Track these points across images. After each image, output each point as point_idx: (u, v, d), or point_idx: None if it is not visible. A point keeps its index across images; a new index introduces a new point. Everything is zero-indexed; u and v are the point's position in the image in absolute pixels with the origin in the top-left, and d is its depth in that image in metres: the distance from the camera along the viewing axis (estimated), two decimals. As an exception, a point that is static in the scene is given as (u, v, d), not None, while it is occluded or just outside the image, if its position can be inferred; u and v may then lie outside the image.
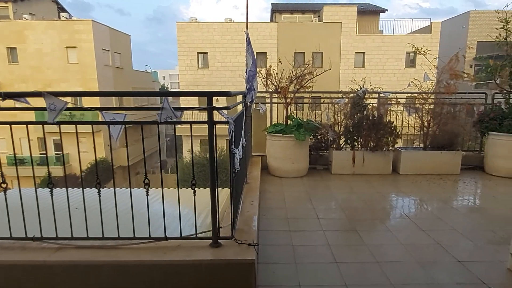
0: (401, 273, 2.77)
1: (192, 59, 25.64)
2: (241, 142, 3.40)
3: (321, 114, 6.52)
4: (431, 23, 26.63)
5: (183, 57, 25.59)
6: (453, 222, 3.86)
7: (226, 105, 2.53)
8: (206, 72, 25.74)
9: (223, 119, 2.47)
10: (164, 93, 2.33)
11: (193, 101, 21.03)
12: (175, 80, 65.35)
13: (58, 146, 23.11)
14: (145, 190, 2.53)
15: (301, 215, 4.08)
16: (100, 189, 2.58)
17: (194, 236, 2.62)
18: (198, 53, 25.64)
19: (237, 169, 2.85)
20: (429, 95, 6.05)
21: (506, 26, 6.10)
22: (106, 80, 25.65)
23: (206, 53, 25.59)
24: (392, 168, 6.14)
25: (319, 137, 6.28)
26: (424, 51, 6.15)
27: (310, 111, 6.63)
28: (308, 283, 2.61)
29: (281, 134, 5.59)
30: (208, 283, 2.44)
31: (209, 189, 2.58)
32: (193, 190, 2.56)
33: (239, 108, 4.03)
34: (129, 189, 2.62)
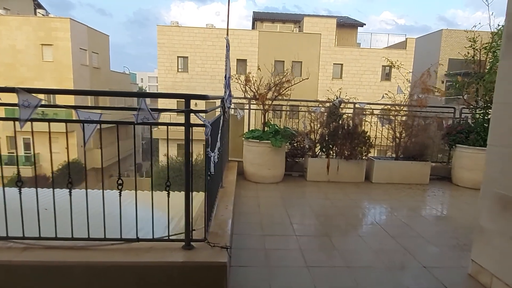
0: (369, 278, 2.86)
1: (172, 62, 25.48)
2: (217, 146, 3.43)
3: (298, 122, 6.63)
4: (406, 39, 27.65)
5: (163, 60, 25.40)
6: (420, 229, 4.02)
7: (204, 109, 2.56)
8: (186, 76, 25.63)
9: (200, 122, 2.50)
10: (142, 94, 2.34)
11: (172, 105, 20.83)
12: (153, 83, 64.54)
13: (28, 146, 22.30)
14: (118, 191, 2.51)
15: (275, 220, 4.13)
16: (72, 189, 2.54)
17: (167, 238, 2.62)
18: (178, 56, 25.52)
19: (211, 173, 2.87)
20: (402, 107, 6.29)
21: (473, 45, 6.44)
22: (82, 79, 25.06)
23: (186, 57, 25.51)
24: (365, 176, 6.31)
25: (295, 144, 6.38)
26: (398, 65, 6.40)
27: (287, 118, 6.73)
28: (278, 286, 2.66)
29: (258, 140, 5.65)
30: (180, 285, 2.43)
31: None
32: (167, 192, 2.56)
33: (217, 112, 4.07)
34: (101, 190, 2.60)
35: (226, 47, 4.14)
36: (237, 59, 24.85)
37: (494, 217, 2.67)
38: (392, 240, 3.67)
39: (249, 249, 3.31)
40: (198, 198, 3.69)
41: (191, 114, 2.47)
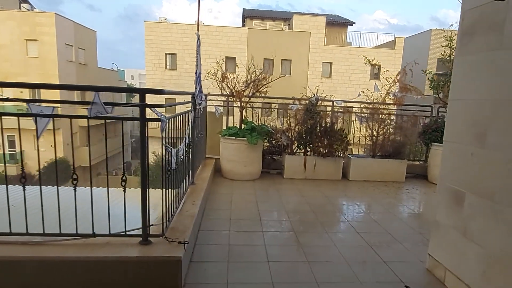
0: (328, 272, 2.89)
1: (160, 59, 25.32)
2: (184, 141, 3.43)
3: (276, 119, 6.65)
4: (395, 38, 27.85)
5: (151, 57, 25.22)
6: (387, 226, 4.07)
7: (161, 104, 2.56)
8: (174, 74, 25.47)
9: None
10: (94, 87, 2.32)
11: (161, 101, 20.69)
12: (144, 80, 63.85)
13: (13, 143, 22.00)
14: (73, 187, 2.50)
15: (244, 217, 4.14)
16: (26, 185, 2.52)
17: (124, 233, 2.61)
18: (166, 53, 25.37)
19: (172, 168, 2.86)
20: (379, 105, 6.34)
21: (450, 44, 6.52)
22: (68, 76, 24.74)
23: (175, 54, 25.35)
24: (342, 174, 6.36)
25: (273, 141, 6.39)
26: (375, 63, 6.44)
27: (265, 116, 6.75)
28: (236, 280, 2.67)
29: (234, 137, 5.65)
30: (135, 280, 2.43)
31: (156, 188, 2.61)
32: (123, 188, 2.54)
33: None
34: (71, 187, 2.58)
35: (197, 42, 4.12)
36: (226, 57, 24.77)
37: (448, 211, 2.72)
38: (358, 237, 3.71)
39: (213, 244, 3.32)
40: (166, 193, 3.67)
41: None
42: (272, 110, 6.83)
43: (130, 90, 4.60)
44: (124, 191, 2.56)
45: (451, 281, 2.65)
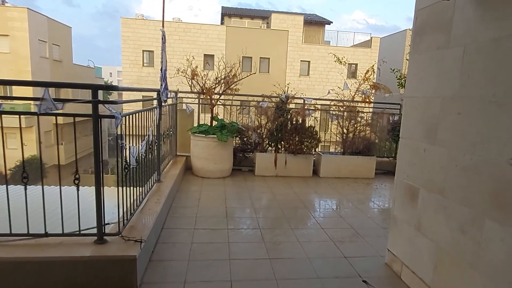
0: (288, 269, 2.90)
1: (137, 56, 24.88)
2: (146, 139, 3.38)
3: (248, 116, 6.65)
4: (371, 37, 28.32)
5: (128, 54, 24.74)
6: (352, 221, 4.13)
7: (114, 100, 2.50)
8: (152, 71, 25.07)
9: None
10: (45, 83, 2.24)
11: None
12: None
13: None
14: (24, 185, 2.42)
15: (210, 214, 4.11)
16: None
17: (78, 232, 2.54)
18: (143, 50, 24.94)
19: (131, 166, 2.82)
20: (348, 102, 6.43)
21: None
22: (41, 72, 23.93)
23: (152, 51, 24.94)
24: (313, 171, 6.42)
25: (245, 139, 6.39)
26: (345, 62, 6.53)
27: (237, 113, 6.73)
28: (194, 279, 2.64)
29: (204, 135, 5.61)
30: (88, 280, 2.38)
31: (115, 187, 2.57)
32: (76, 186, 2.48)
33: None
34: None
35: (162, 39, 4.07)
36: (204, 54, 24.61)
37: (404, 207, 2.78)
38: (322, 232, 3.75)
39: (175, 243, 3.28)
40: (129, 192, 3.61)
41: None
42: (244, 107, 6.81)
43: (81, 86, 4.50)
44: (78, 189, 2.50)
45: (407, 275, 2.71)
